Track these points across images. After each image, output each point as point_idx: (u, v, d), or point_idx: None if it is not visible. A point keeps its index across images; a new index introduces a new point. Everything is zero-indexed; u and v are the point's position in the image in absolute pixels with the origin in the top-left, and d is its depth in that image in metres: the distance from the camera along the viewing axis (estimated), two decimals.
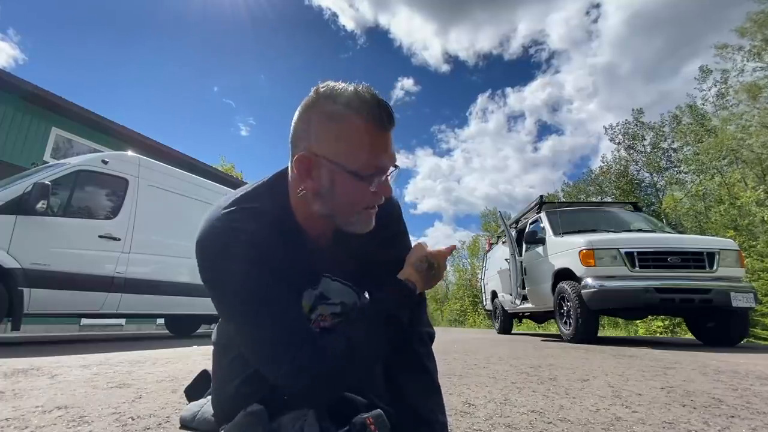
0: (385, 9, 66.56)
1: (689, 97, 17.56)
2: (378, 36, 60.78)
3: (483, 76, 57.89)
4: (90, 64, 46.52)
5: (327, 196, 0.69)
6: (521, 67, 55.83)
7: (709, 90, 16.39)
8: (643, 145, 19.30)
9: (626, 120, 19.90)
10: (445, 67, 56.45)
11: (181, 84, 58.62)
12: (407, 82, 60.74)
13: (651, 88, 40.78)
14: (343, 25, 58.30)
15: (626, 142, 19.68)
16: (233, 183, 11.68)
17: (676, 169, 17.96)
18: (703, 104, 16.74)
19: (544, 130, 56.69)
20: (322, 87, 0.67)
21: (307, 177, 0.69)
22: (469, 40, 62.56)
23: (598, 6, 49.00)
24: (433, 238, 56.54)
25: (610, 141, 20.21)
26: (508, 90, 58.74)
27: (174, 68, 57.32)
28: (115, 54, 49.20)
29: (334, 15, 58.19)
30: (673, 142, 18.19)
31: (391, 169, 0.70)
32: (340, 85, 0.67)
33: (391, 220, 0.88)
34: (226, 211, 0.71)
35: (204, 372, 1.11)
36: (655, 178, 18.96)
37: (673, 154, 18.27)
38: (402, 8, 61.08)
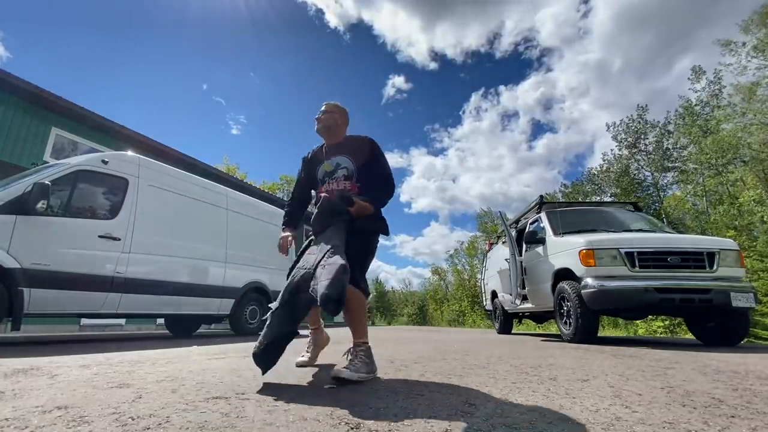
0: (369, 4, 66.10)
1: (682, 98, 17.54)
2: (361, 32, 60.04)
3: (473, 75, 57.63)
4: (77, 61, 46.12)
5: None
6: (512, 66, 55.49)
7: (704, 90, 16.33)
8: (645, 144, 19.21)
9: (630, 116, 19.72)
10: (432, 65, 56.16)
11: (170, 82, 57.82)
12: (398, 80, 60.34)
13: (644, 86, 40.65)
14: (327, 22, 57.90)
15: (629, 140, 19.53)
16: (234, 183, 11.67)
17: (677, 168, 17.88)
18: (698, 104, 16.71)
19: (538, 129, 56.61)
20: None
21: None
22: (456, 38, 62.26)
23: (586, 1, 48.89)
24: (430, 238, 56.68)
25: (613, 139, 20.10)
26: (502, 88, 58.42)
27: (163, 66, 56.38)
28: (102, 51, 48.52)
29: (320, 11, 57.68)
30: (675, 142, 18.10)
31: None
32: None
33: (358, 143, 2.04)
34: None
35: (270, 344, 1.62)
36: (657, 178, 18.90)
37: (674, 153, 18.20)
38: (385, 3, 60.72)
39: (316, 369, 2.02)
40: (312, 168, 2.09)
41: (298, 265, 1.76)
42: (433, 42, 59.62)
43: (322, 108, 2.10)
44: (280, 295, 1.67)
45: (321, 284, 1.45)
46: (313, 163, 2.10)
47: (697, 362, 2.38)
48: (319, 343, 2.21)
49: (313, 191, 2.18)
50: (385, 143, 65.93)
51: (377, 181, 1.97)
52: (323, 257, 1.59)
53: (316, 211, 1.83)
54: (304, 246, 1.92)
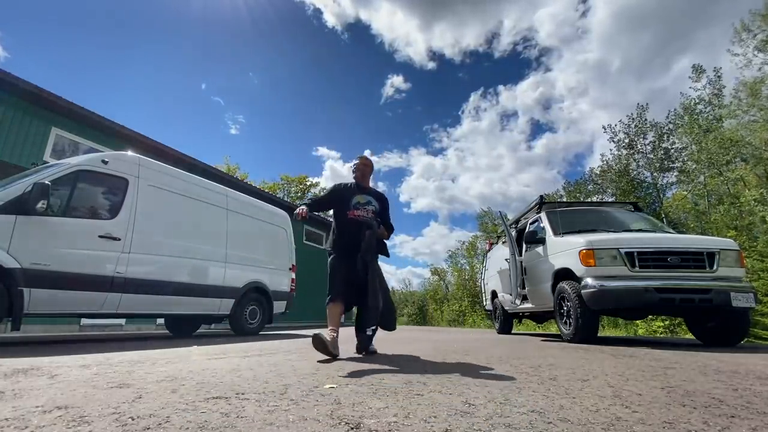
0: (367, 4, 65.97)
1: (683, 96, 17.48)
2: (359, 32, 59.84)
3: (472, 74, 57.62)
4: (77, 61, 46.00)
5: None
6: (511, 66, 55.57)
7: (704, 88, 16.31)
8: (644, 144, 19.15)
9: (629, 115, 19.62)
10: (431, 65, 56.13)
11: (169, 82, 57.62)
12: (397, 80, 60.25)
13: (642, 86, 40.69)
14: (326, 21, 57.80)
15: (626, 140, 19.46)
16: (233, 183, 11.67)
17: (677, 168, 17.82)
18: (699, 102, 16.67)
19: (538, 129, 56.67)
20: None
21: None
22: (454, 37, 62.26)
23: (585, 1, 48.91)
24: (430, 238, 56.75)
25: (610, 141, 20.06)
26: (500, 88, 58.33)
27: (162, 66, 56.17)
28: (101, 51, 48.40)
29: (318, 11, 57.53)
30: (674, 142, 18.03)
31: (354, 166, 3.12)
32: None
33: (382, 196, 3.07)
34: None
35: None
36: (657, 178, 18.85)
37: (674, 153, 18.14)
38: (383, 3, 60.49)
39: (316, 370, 2.02)
40: (343, 195, 2.93)
41: (370, 300, 2.63)
42: (432, 41, 59.62)
43: (356, 161, 3.06)
44: (375, 307, 2.70)
45: (389, 320, 2.86)
46: (345, 192, 2.95)
47: (697, 362, 2.38)
48: (337, 340, 2.66)
49: (332, 211, 3.05)
50: (385, 143, 65.98)
51: (386, 223, 3.04)
52: (386, 301, 2.79)
53: (369, 232, 2.67)
54: (364, 274, 2.66)
